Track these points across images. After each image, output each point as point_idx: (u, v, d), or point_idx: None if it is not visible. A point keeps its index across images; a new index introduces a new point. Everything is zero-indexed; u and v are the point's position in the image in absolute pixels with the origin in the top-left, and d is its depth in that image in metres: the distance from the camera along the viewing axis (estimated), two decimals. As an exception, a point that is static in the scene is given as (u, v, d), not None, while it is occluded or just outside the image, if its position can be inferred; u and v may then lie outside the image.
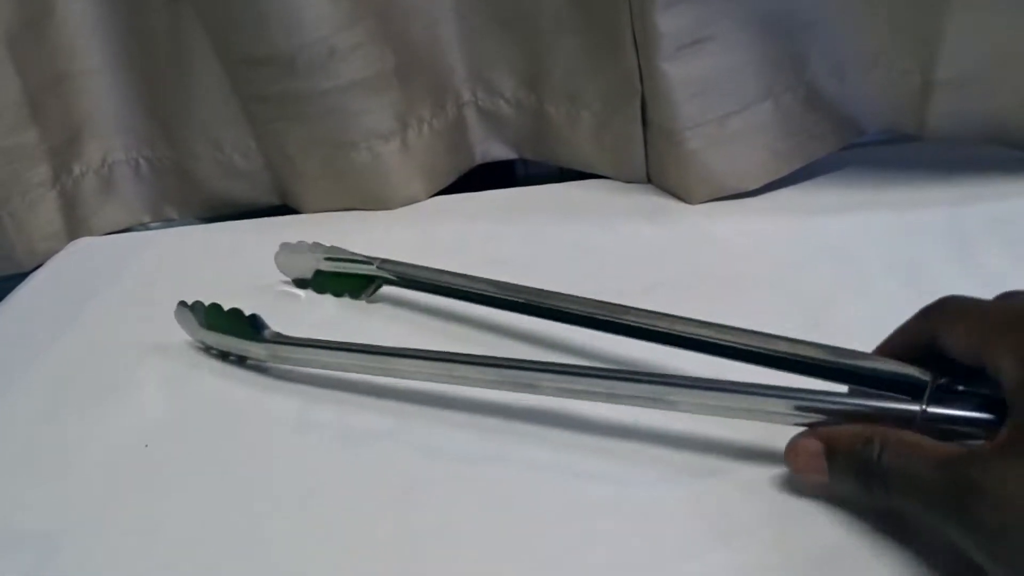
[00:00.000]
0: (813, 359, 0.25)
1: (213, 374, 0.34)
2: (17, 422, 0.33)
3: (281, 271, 0.41)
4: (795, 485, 0.24)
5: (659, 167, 0.44)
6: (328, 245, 0.40)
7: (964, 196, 0.39)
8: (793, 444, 0.24)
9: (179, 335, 0.36)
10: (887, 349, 0.25)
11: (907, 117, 0.41)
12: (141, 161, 0.51)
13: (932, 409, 0.22)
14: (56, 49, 0.46)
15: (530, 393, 0.27)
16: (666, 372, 0.25)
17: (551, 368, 0.26)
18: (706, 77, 0.40)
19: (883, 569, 0.22)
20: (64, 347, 0.38)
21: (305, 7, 0.40)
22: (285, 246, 0.40)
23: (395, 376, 0.30)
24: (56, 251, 0.49)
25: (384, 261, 0.37)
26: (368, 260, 0.38)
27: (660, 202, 0.44)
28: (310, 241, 0.40)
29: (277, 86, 0.43)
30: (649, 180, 0.45)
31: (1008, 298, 0.23)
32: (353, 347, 0.30)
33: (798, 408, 0.23)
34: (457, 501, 0.26)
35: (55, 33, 0.46)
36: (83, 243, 0.50)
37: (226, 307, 0.34)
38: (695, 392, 0.24)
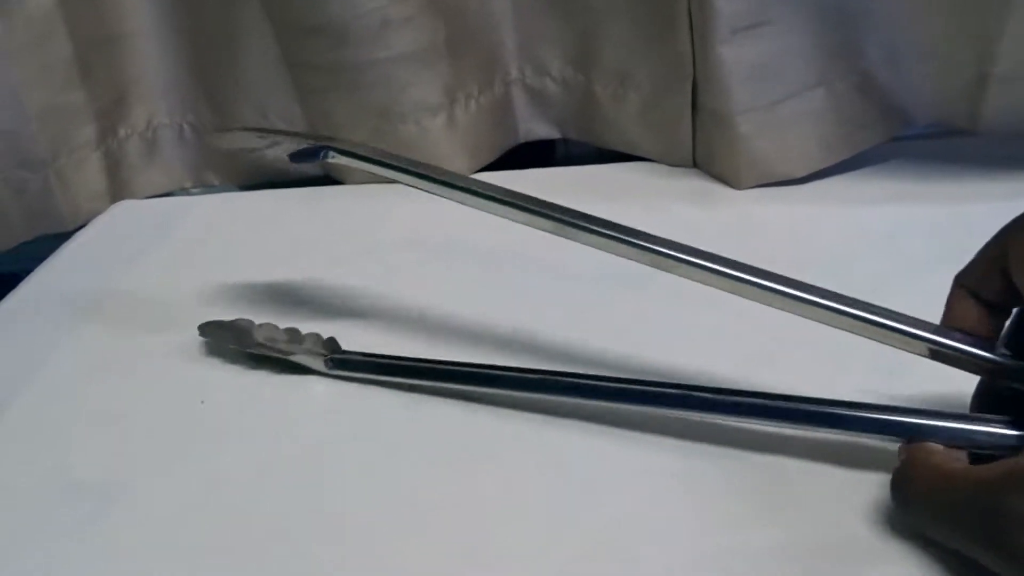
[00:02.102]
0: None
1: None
2: (69, 377, 0.34)
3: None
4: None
5: (706, 151, 0.44)
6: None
7: (1016, 191, 0.39)
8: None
9: (224, 295, 0.36)
10: (965, 281, 0.24)
11: (960, 110, 0.41)
12: (185, 126, 0.51)
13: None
14: (107, 10, 0.47)
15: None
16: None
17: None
18: (760, 61, 0.40)
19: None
20: (113, 305, 0.38)
21: (362, -25, 0.40)
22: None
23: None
24: (99, 212, 0.49)
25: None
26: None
27: (706, 186, 0.44)
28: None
29: (329, 55, 0.43)
30: (695, 164, 0.45)
31: None
32: (420, 369, 0.30)
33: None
34: (520, 466, 0.26)
35: (107, -6, 0.46)
36: (126, 205, 0.50)
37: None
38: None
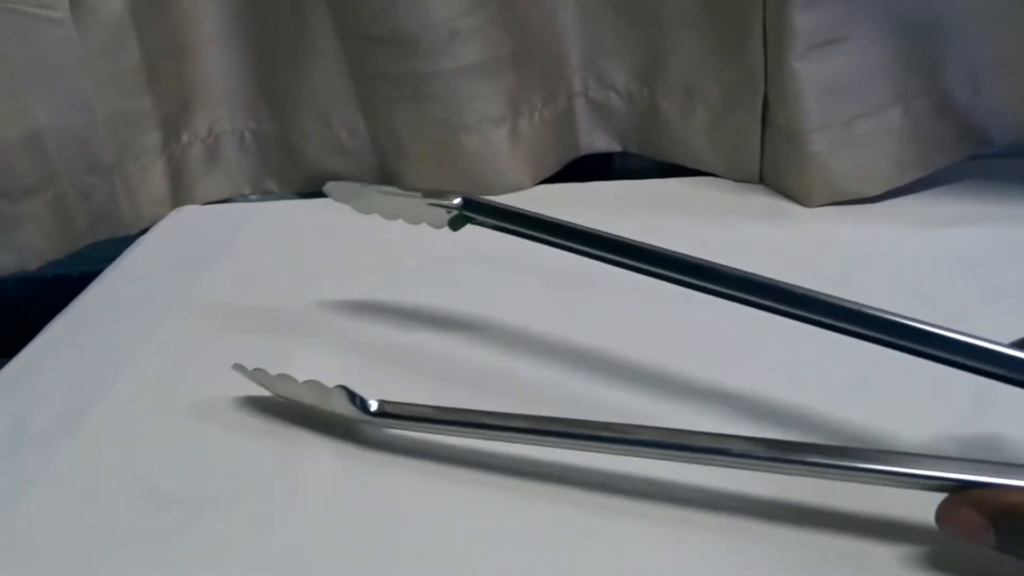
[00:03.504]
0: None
1: (331, 342, 0.34)
2: (150, 381, 0.33)
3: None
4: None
5: (775, 167, 0.43)
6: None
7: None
8: (946, 515, 0.21)
9: (290, 303, 0.36)
10: None
11: (1039, 130, 0.40)
12: (246, 133, 0.52)
13: None
14: (176, 18, 0.47)
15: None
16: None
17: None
18: (836, 78, 0.39)
19: None
20: (186, 310, 0.38)
21: (433, -13, 0.40)
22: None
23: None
24: (160, 217, 0.50)
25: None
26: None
27: (775, 203, 0.43)
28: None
29: (397, 65, 0.43)
30: (761, 180, 0.45)
31: None
32: (466, 422, 0.26)
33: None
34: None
35: (176, 2, 0.47)
36: (188, 211, 0.50)
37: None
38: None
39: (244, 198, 0.54)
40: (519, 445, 0.26)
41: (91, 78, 0.45)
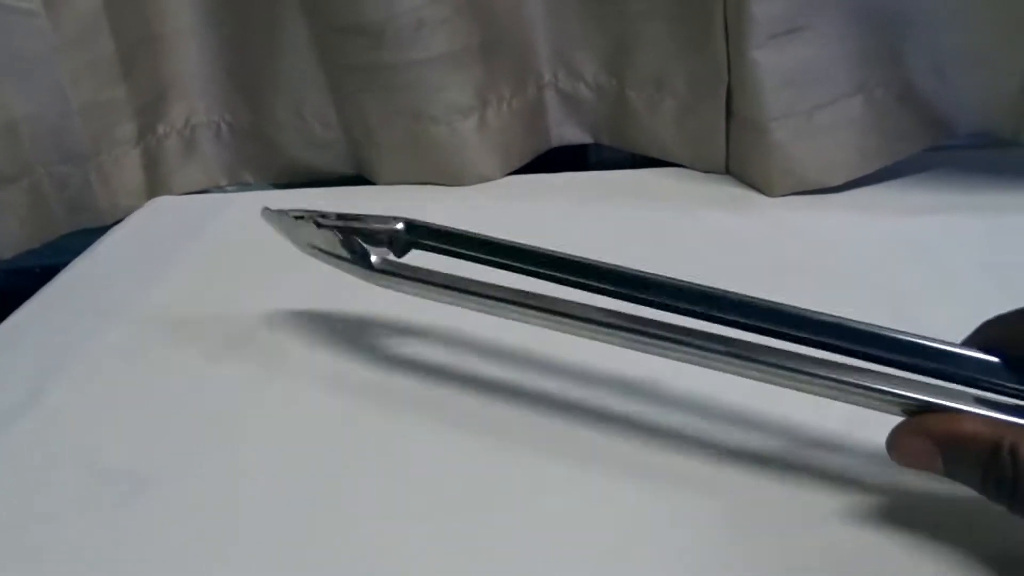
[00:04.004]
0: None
1: (290, 327, 0.35)
2: (102, 366, 0.34)
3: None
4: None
5: (740, 158, 0.44)
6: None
7: (1060, 203, 0.38)
8: (898, 441, 0.21)
9: (255, 289, 0.36)
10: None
11: (1003, 119, 0.40)
12: (222, 125, 0.52)
13: None
14: (151, 9, 0.48)
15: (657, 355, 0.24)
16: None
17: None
18: (797, 68, 0.39)
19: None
20: (148, 298, 0.39)
21: (398, -22, 0.41)
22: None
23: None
24: (136, 207, 0.50)
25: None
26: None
27: (739, 192, 0.43)
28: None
29: (365, 56, 0.44)
30: (727, 171, 0.45)
31: None
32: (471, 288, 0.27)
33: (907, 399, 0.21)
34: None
35: (150, -7, 0.47)
36: (163, 201, 0.51)
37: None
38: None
39: (220, 189, 0.54)
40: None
41: (65, 69, 0.45)
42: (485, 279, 0.27)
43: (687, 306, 0.24)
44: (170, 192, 0.52)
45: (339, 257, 0.29)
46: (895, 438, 0.21)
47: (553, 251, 0.26)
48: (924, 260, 0.36)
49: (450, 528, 0.24)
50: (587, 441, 0.27)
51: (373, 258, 0.29)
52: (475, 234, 0.28)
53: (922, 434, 0.20)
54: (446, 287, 0.27)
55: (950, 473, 0.20)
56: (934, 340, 0.22)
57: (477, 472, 0.26)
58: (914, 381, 0.21)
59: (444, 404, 0.30)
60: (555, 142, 0.50)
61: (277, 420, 0.30)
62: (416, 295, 0.28)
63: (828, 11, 0.38)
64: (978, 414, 0.20)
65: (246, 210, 0.49)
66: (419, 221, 0.29)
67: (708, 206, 0.42)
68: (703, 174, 0.46)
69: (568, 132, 0.50)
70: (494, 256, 0.27)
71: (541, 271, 0.26)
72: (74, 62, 0.46)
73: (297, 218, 0.31)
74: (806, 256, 0.37)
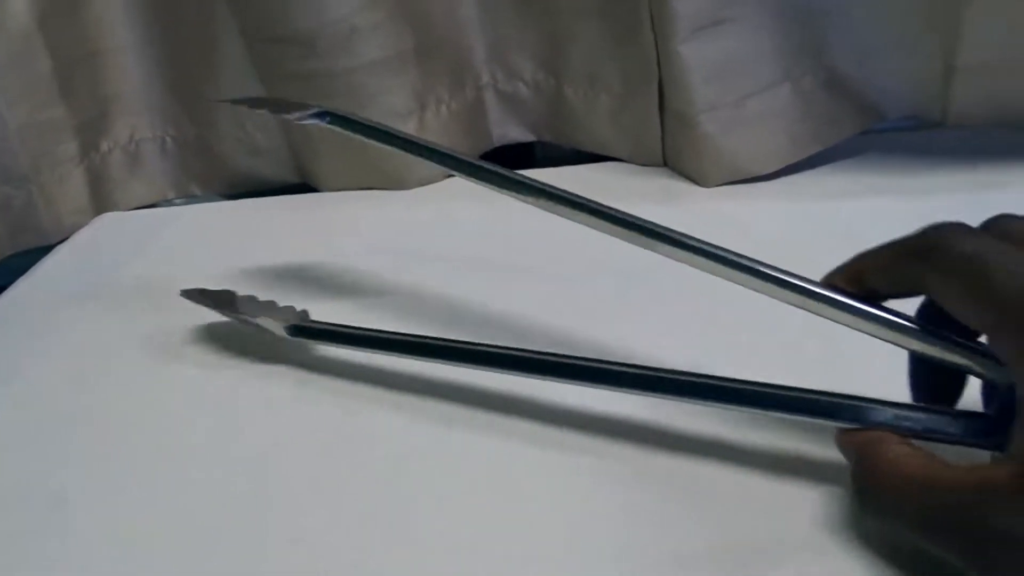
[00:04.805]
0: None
1: (226, 342, 0.35)
2: (42, 383, 0.34)
3: None
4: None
5: (675, 150, 0.44)
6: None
7: (984, 183, 0.39)
8: (840, 441, 0.23)
9: (181, 312, 0.37)
10: (857, 277, 0.23)
11: (929, 103, 0.41)
12: (167, 139, 0.52)
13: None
14: (86, 27, 0.47)
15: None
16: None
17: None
18: (723, 60, 0.40)
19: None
20: (87, 316, 0.39)
21: (326, -15, 0.41)
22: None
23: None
24: (82, 225, 0.50)
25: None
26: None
27: (675, 185, 0.44)
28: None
29: (298, 65, 0.44)
30: (665, 163, 0.45)
31: (1001, 253, 0.20)
32: (381, 340, 0.30)
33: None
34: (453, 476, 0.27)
35: (85, 11, 0.47)
36: (108, 218, 0.51)
37: (239, 286, 0.34)
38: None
39: (169, 203, 0.54)
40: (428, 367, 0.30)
41: (0, 90, 0.45)
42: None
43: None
44: (117, 208, 0.52)
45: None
46: (837, 439, 0.23)
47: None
48: (854, 242, 0.36)
49: (378, 518, 0.25)
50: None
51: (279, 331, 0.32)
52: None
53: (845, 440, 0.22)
54: (352, 340, 0.30)
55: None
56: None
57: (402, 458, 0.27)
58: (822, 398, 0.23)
59: (364, 396, 0.30)
60: (497, 142, 0.50)
61: (214, 431, 0.30)
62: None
63: (750, 3, 0.39)
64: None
65: (191, 222, 0.50)
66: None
67: (644, 199, 0.43)
68: (641, 168, 0.46)
69: (510, 131, 0.50)
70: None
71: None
72: (9, 83, 0.45)
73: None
74: (738, 244, 0.37)
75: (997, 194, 0.39)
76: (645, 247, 0.26)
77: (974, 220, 0.37)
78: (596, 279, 0.36)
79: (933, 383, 0.23)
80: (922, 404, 0.23)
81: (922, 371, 0.23)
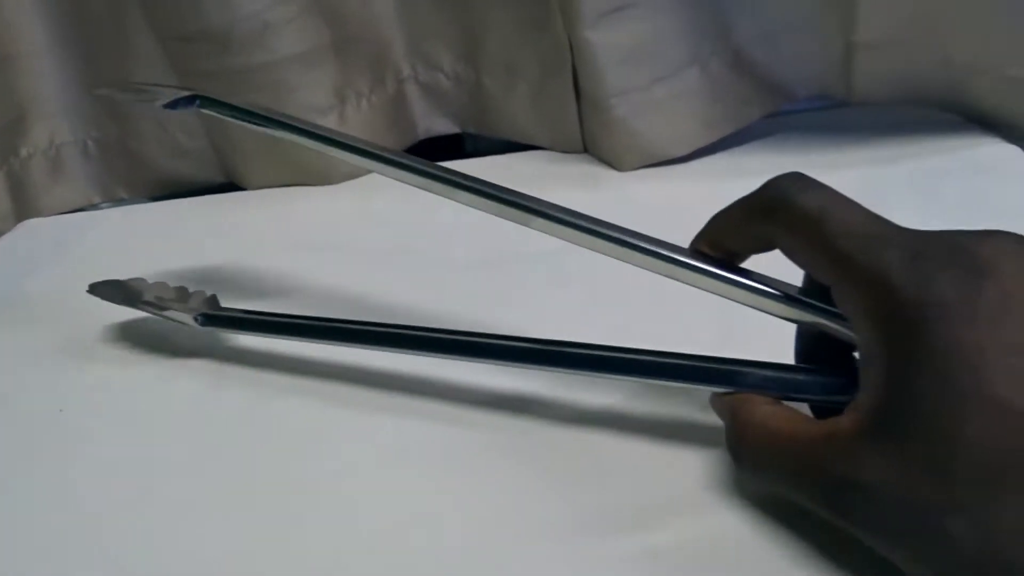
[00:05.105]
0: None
1: (140, 339, 0.35)
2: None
3: None
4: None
5: (592, 136, 0.45)
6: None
7: (884, 156, 0.40)
8: (713, 404, 0.24)
9: (100, 312, 0.36)
10: (715, 240, 0.24)
11: (834, 81, 0.42)
12: (89, 142, 0.52)
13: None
14: (-4, 31, 0.47)
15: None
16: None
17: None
18: (630, 44, 0.40)
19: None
20: (6, 322, 0.39)
21: (235, -19, 0.41)
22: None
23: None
24: (5, 232, 0.49)
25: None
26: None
27: (593, 170, 0.44)
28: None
29: (213, 62, 0.44)
30: (585, 150, 0.46)
31: (849, 209, 0.20)
32: (291, 325, 0.30)
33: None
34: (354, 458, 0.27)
35: (-6, 15, 0.46)
36: (31, 224, 0.50)
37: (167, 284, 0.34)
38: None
39: (95, 207, 0.54)
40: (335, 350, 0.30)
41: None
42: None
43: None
44: (41, 214, 0.51)
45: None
46: (711, 402, 0.24)
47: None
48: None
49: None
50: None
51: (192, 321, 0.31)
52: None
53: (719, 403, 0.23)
54: (261, 327, 0.31)
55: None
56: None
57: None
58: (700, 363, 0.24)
59: (276, 383, 0.31)
60: (423, 134, 0.50)
61: (123, 426, 0.30)
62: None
63: (654, -13, 0.39)
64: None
65: (114, 225, 0.49)
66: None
67: (562, 185, 0.43)
68: (563, 155, 0.47)
69: (435, 123, 0.50)
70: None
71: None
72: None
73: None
74: (646, 226, 0.38)
75: (901, 167, 0.40)
76: (549, 232, 0.27)
77: (872, 192, 0.38)
78: (510, 265, 0.36)
79: (814, 348, 0.24)
80: (790, 365, 0.23)
81: (804, 336, 0.24)
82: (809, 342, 0.24)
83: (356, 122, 0.47)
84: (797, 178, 0.22)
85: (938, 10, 0.38)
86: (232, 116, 0.31)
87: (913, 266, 0.18)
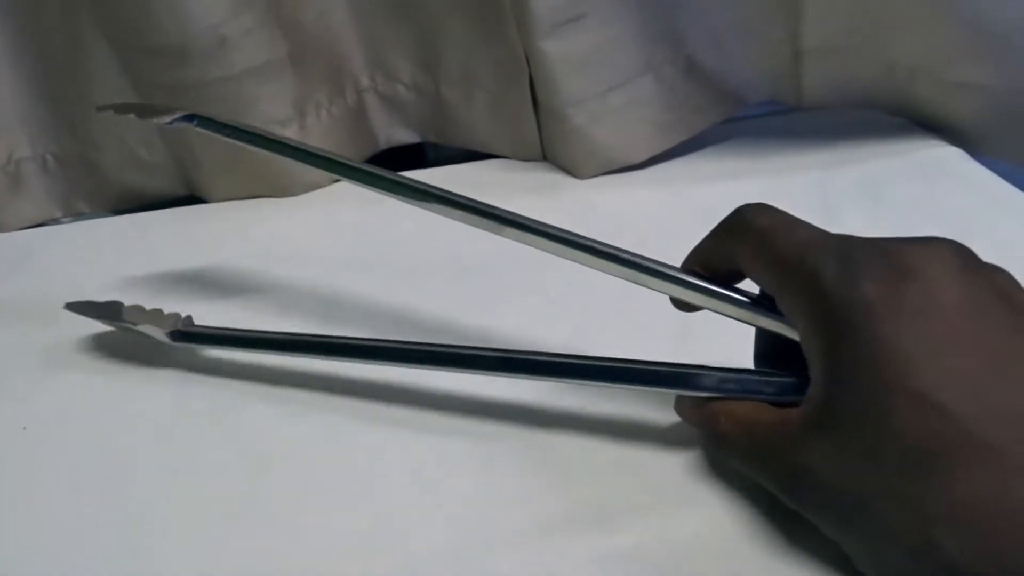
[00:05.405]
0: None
1: (97, 362, 0.35)
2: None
3: None
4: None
5: (550, 144, 0.45)
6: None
7: (833, 160, 0.41)
8: (679, 410, 0.25)
9: (66, 326, 0.36)
10: (701, 260, 0.25)
11: (784, 86, 0.43)
12: (48, 156, 0.51)
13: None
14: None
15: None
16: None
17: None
18: (584, 54, 0.41)
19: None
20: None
21: (189, -4, 0.41)
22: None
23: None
24: (-35, 249, 0.49)
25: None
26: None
27: (553, 178, 0.45)
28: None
29: (170, 75, 0.44)
30: (545, 158, 0.47)
31: (796, 227, 0.22)
32: (263, 340, 0.31)
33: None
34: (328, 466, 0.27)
35: (-52, 31, 0.46)
36: (-9, 239, 0.50)
37: (126, 299, 0.34)
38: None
39: (56, 222, 0.53)
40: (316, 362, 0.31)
41: None
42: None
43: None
44: (2, 230, 0.51)
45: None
46: (676, 408, 0.26)
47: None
48: (710, 225, 0.38)
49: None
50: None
51: (162, 337, 0.32)
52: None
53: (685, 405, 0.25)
54: (233, 342, 0.32)
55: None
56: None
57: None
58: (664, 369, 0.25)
59: (246, 393, 0.31)
60: (384, 144, 0.51)
61: (75, 448, 0.30)
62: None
63: (605, -3, 0.40)
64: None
65: (74, 239, 0.49)
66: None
67: (521, 193, 0.44)
68: (523, 163, 0.47)
69: (396, 133, 0.50)
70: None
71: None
72: None
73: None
74: (604, 233, 0.38)
75: (851, 170, 0.41)
76: (519, 241, 0.28)
77: (821, 196, 0.39)
78: (474, 274, 0.37)
79: (770, 350, 0.25)
80: (744, 368, 0.24)
81: (761, 341, 0.25)
82: (766, 345, 0.25)
83: (317, 133, 0.47)
84: (758, 205, 0.24)
85: (881, 16, 0.39)
86: (227, 135, 0.32)
87: (843, 268, 0.19)
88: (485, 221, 0.28)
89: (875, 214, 0.37)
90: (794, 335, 0.22)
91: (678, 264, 0.26)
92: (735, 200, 0.40)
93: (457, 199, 0.28)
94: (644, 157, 0.43)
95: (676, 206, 0.41)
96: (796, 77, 0.42)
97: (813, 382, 0.20)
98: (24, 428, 0.31)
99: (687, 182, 0.43)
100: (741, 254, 0.23)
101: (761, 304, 0.24)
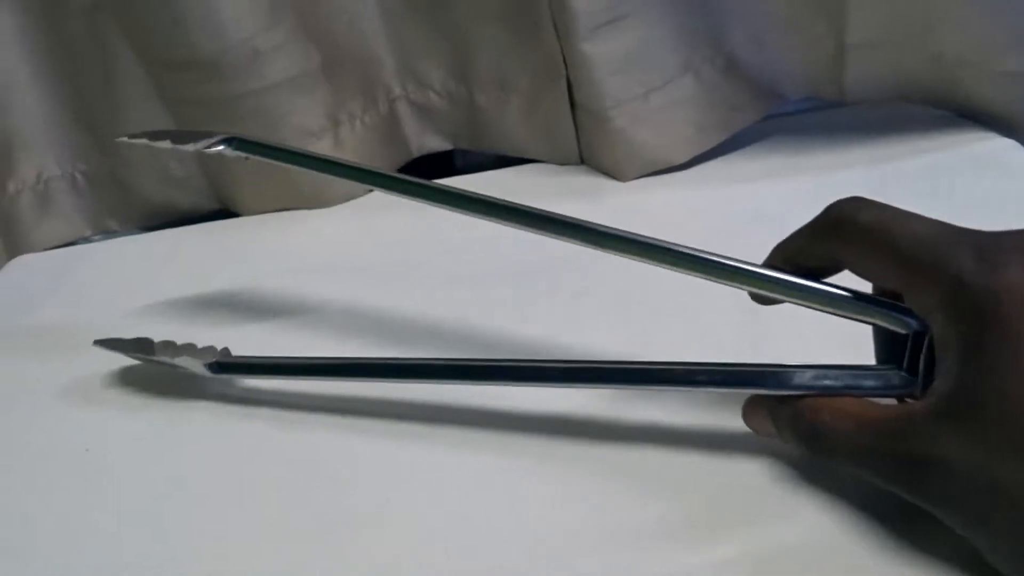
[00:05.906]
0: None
1: (145, 383, 0.34)
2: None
3: None
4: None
5: (590, 147, 0.45)
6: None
7: (882, 155, 0.41)
8: (747, 416, 0.25)
9: (98, 355, 0.36)
10: (781, 263, 0.25)
11: (826, 82, 0.42)
12: (77, 175, 0.51)
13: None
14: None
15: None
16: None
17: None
18: (625, 55, 0.40)
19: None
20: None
21: (222, 9, 0.40)
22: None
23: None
24: (-3, 270, 0.49)
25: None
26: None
27: (594, 181, 0.44)
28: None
29: (202, 89, 0.43)
30: (582, 161, 0.46)
31: (910, 220, 0.22)
32: (301, 366, 0.30)
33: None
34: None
35: (-24, 50, 0.46)
36: (24, 260, 0.49)
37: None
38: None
39: (87, 240, 0.53)
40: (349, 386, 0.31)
41: None
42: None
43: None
44: (32, 250, 0.51)
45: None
46: (744, 414, 0.25)
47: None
48: (765, 225, 0.37)
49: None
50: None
51: (200, 370, 0.31)
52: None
53: (761, 409, 0.24)
54: (273, 370, 0.31)
55: (779, 432, 0.23)
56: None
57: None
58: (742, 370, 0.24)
59: (291, 421, 0.30)
60: (416, 152, 0.50)
61: (133, 472, 0.30)
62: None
63: (645, -3, 0.39)
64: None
65: (107, 257, 0.48)
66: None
67: (564, 197, 0.43)
68: (560, 167, 0.47)
69: (428, 141, 0.50)
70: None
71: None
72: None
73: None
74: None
75: (894, 165, 0.40)
76: (570, 241, 0.27)
77: (873, 190, 0.39)
78: (522, 279, 0.36)
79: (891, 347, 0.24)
80: (838, 364, 0.23)
81: (879, 338, 0.24)
82: (886, 343, 0.24)
83: (351, 144, 0.47)
84: (856, 199, 0.23)
85: (927, 7, 0.38)
86: (265, 155, 0.31)
87: (981, 258, 0.19)
88: (529, 223, 0.28)
89: (933, 209, 0.36)
90: (900, 328, 0.22)
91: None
92: (785, 198, 0.40)
93: (503, 204, 0.28)
94: (686, 158, 0.43)
95: (724, 206, 0.40)
96: (838, 72, 0.41)
97: (946, 373, 0.19)
98: (87, 450, 0.31)
99: (731, 181, 0.42)
100: (847, 251, 0.22)
101: (864, 299, 0.23)
